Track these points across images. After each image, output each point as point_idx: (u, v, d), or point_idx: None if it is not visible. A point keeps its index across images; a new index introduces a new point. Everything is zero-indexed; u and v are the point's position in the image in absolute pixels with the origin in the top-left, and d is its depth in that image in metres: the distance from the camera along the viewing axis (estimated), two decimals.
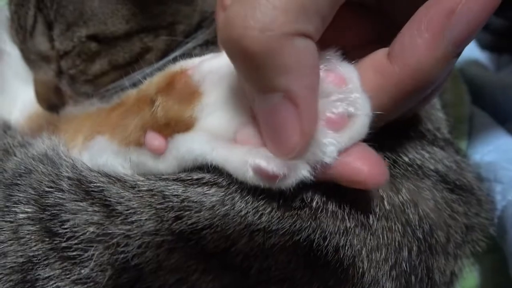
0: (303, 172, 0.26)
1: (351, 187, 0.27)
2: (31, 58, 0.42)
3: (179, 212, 0.27)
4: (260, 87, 0.24)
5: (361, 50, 0.29)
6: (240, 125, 0.28)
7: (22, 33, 0.41)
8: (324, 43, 0.26)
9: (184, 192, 0.28)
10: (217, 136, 0.28)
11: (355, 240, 0.28)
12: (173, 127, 0.29)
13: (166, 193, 0.28)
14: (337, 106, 0.26)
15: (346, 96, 0.26)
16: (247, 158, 0.26)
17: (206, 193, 0.28)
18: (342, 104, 0.26)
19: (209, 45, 0.40)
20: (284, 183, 0.26)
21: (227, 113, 0.28)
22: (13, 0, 0.42)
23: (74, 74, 0.41)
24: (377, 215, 0.30)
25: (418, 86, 0.26)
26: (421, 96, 0.28)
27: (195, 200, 0.28)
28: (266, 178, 0.26)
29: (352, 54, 0.29)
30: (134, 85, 0.35)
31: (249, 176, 0.26)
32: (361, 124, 0.26)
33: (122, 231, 0.27)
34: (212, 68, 0.29)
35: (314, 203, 0.28)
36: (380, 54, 0.27)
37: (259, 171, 0.26)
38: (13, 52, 0.44)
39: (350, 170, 0.26)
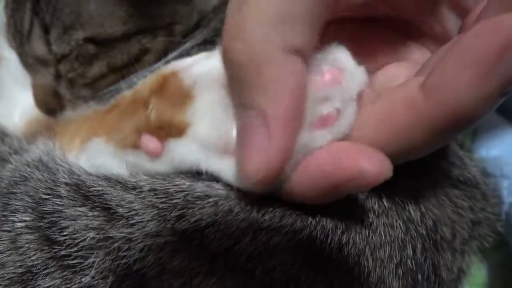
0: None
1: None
2: (29, 62, 0.42)
3: (182, 211, 0.27)
4: (239, 101, 0.24)
5: (383, 73, 0.29)
6: (231, 131, 0.27)
7: (19, 38, 0.41)
8: None
9: (188, 188, 0.28)
10: (209, 143, 0.27)
11: (357, 238, 0.28)
12: (166, 131, 0.29)
13: (170, 190, 0.28)
14: (327, 106, 0.25)
15: (340, 93, 0.25)
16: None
17: (212, 186, 0.28)
18: (333, 103, 0.25)
19: (207, 45, 0.40)
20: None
21: (218, 118, 0.27)
22: (9, 4, 0.42)
23: (72, 78, 0.41)
24: (377, 212, 0.29)
25: (455, 126, 0.23)
26: (458, 135, 0.25)
27: (199, 195, 0.28)
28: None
29: (374, 78, 0.28)
30: (132, 87, 0.35)
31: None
32: (350, 113, 0.25)
33: (123, 235, 0.26)
34: (203, 71, 0.28)
35: None
36: (412, 86, 0.24)
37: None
38: (10, 56, 0.43)
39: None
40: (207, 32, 0.41)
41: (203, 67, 0.29)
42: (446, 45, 0.26)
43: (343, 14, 0.28)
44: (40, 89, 0.43)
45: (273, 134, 0.23)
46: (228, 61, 0.24)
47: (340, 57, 0.25)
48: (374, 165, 0.23)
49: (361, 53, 0.28)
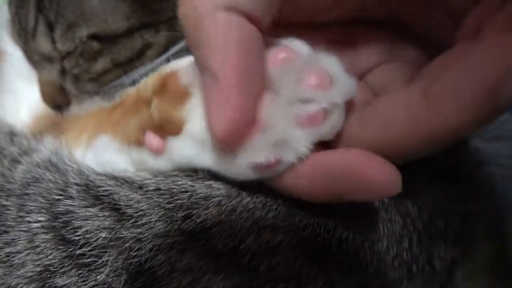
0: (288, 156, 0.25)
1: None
2: (34, 59, 0.42)
3: (187, 211, 0.28)
4: (196, 63, 0.25)
5: (378, 72, 0.29)
6: None
7: (24, 35, 0.42)
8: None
9: (191, 187, 0.29)
10: (203, 140, 0.28)
11: (357, 233, 0.29)
12: (167, 129, 0.30)
13: (174, 190, 0.29)
14: (312, 105, 0.25)
15: (328, 99, 0.25)
16: (241, 161, 0.26)
17: (212, 187, 0.29)
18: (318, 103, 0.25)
19: None
20: (281, 168, 0.26)
21: None
22: (13, 1, 0.42)
23: (77, 73, 0.41)
24: (377, 208, 0.30)
25: (453, 138, 0.23)
26: (454, 143, 0.24)
27: (202, 196, 0.28)
28: (266, 169, 0.26)
29: (368, 77, 0.29)
30: (135, 82, 0.36)
31: (250, 175, 0.26)
32: (336, 119, 0.26)
33: (133, 235, 0.27)
34: None
35: None
36: (414, 92, 0.23)
37: (258, 167, 0.26)
38: (15, 53, 0.44)
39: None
40: None
41: None
42: (451, 51, 0.25)
43: (340, 16, 0.29)
44: (46, 85, 0.43)
45: (224, 91, 0.23)
46: (181, 22, 0.24)
47: (330, 65, 0.26)
48: (387, 180, 0.23)
49: (355, 52, 0.29)
